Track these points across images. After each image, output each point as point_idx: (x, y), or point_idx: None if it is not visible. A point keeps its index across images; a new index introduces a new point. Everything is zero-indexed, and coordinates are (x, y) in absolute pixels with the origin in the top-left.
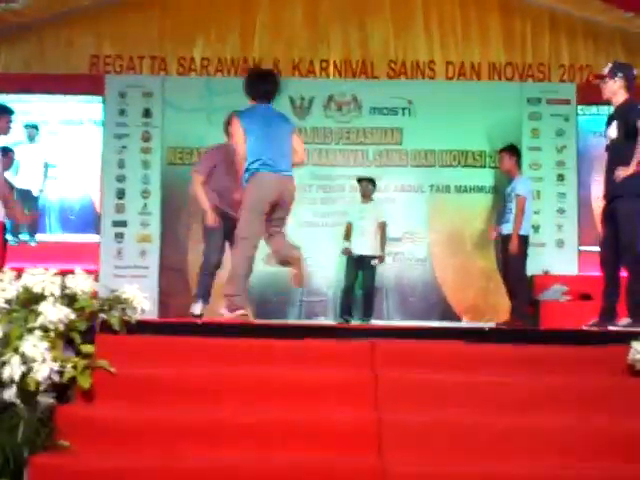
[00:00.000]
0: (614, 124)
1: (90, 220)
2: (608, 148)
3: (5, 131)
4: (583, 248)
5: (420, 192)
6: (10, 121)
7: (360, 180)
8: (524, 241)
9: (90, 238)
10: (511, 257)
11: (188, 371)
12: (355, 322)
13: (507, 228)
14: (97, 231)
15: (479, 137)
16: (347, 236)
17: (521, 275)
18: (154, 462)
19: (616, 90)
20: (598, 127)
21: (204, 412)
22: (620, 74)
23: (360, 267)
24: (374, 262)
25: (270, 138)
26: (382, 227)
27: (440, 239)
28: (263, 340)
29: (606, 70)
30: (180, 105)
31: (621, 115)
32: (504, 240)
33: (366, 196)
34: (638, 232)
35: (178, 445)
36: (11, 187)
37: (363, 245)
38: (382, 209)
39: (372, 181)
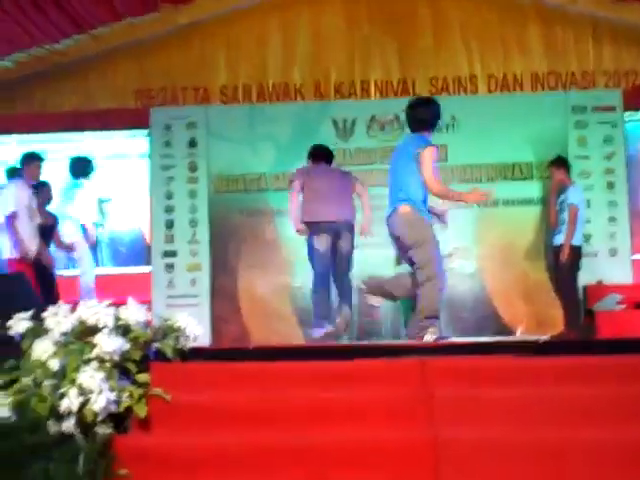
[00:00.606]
0: None
1: (140, 252)
2: None
3: (37, 177)
4: (636, 256)
5: (468, 208)
6: (40, 167)
7: None
8: (577, 251)
9: (141, 270)
10: (564, 268)
11: (242, 396)
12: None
13: (559, 238)
14: (147, 262)
15: (525, 149)
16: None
17: (574, 286)
18: None
19: None
20: None
21: (259, 437)
22: None
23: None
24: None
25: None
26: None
27: (490, 253)
28: (315, 362)
29: None
30: (224, 134)
31: None
32: (556, 251)
33: None
34: None
35: (234, 471)
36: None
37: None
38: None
39: None
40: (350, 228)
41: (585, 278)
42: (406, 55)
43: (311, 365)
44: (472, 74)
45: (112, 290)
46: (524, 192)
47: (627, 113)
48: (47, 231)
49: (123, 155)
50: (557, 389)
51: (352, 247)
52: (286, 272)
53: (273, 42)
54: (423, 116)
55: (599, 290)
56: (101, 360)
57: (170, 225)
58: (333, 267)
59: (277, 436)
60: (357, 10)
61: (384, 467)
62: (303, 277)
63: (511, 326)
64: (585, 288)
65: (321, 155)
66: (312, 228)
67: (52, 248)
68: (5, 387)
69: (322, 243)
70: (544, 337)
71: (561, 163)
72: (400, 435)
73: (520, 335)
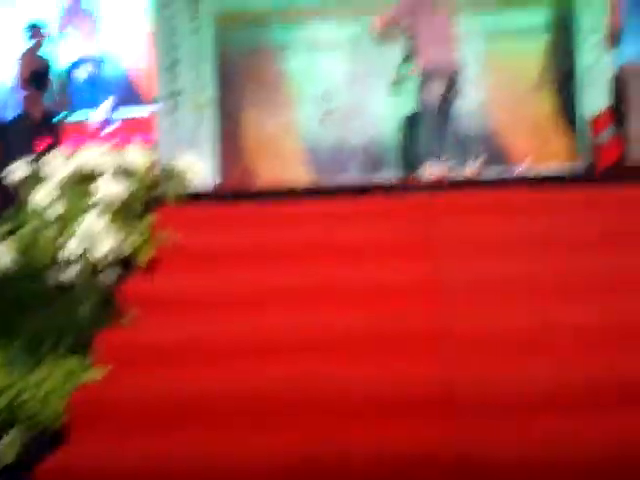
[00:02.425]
0: None
1: (134, 93)
2: None
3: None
4: None
5: (475, 36)
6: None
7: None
8: None
9: (147, 111)
10: None
11: (247, 238)
12: None
13: None
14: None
15: None
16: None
17: None
18: (215, 329)
19: None
20: None
21: (266, 277)
22: None
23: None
24: None
25: None
26: None
27: (496, 85)
28: (320, 202)
29: None
30: None
31: None
32: None
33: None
34: None
35: (237, 311)
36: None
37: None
38: None
39: None
40: None
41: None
42: None
43: (314, 205)
44: None
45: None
46: (531, 20)
47: None
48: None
49: None
50: (558, 221)
51: None
52: (292, 109)
53: None
54: None
55: None
56: (105, 204)
57: (174, 64)
58: None
59: (282, 275)
60: None
61: (387, 303)
62: (310, 114)
63: (518, 159)
64: None
65: None
66: None
67: None
68: (6, 236)
69: None
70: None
71: None
72: (405, 273)
73: (526, 168)
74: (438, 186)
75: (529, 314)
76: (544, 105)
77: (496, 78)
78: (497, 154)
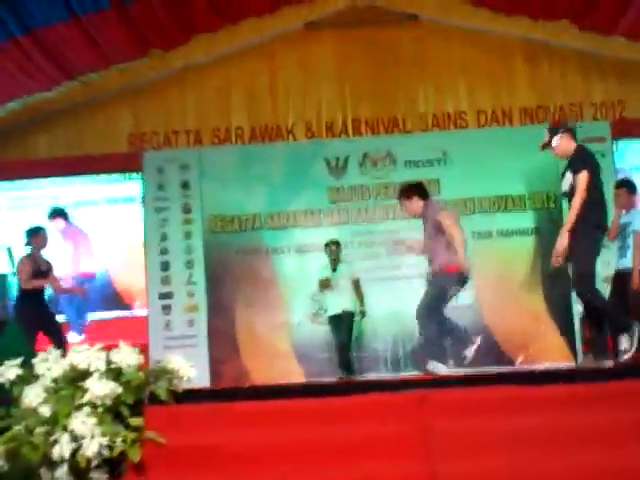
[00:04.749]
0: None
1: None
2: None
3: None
4: None
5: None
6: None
7: (328, 244)
8: None
9: (137, 313)
10: (630, 293)
11: (240, 437)
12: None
13: (623, 264)
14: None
15: (517, 181)
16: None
17: None
18: None
19: (566, 144)
20: (635, 161)
21: (258, 478)
22: (560, 131)
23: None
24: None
25: None
26: (356, 283)
27: (487, 284)
28: (313, 400)
29: (547, 136)
30: (217, 175)
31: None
32: (622, 275)
33: (336, 259)
34: None
35: None
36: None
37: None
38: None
39: (338, 243)
40: None
41: None
42: (395, 92)
43: (309, 403)
44: (461, 110)
45: (107, 334)
46: (518, 223)
47: (615, 144)
48: (42, 277)
49: (115, 199)
50: (556, 417)
51: None
52: (283, 310)
53: (264, 84)
54: None
55: None
56: (93, 405)
57: (166, 267)
58: None
59: (277, 476)
60: (345, 49)
61: None
62: (300, 314)
63: (511, 356)
64: None
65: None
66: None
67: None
68: None
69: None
70: (543, 366)
71: (628, 186)
72: (399, 471)
73: (520, 365)
74: (433, 383)
75: None
76: (535, 303)
77: (486, 277)
78: (490, 351)
